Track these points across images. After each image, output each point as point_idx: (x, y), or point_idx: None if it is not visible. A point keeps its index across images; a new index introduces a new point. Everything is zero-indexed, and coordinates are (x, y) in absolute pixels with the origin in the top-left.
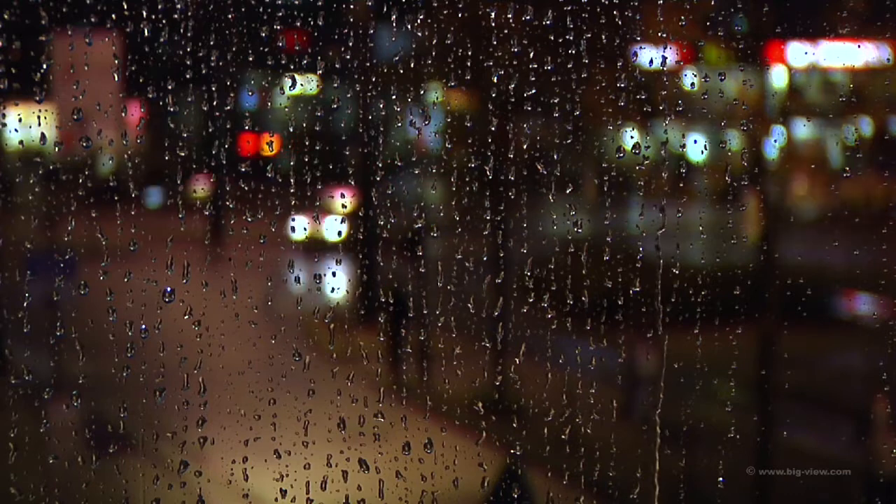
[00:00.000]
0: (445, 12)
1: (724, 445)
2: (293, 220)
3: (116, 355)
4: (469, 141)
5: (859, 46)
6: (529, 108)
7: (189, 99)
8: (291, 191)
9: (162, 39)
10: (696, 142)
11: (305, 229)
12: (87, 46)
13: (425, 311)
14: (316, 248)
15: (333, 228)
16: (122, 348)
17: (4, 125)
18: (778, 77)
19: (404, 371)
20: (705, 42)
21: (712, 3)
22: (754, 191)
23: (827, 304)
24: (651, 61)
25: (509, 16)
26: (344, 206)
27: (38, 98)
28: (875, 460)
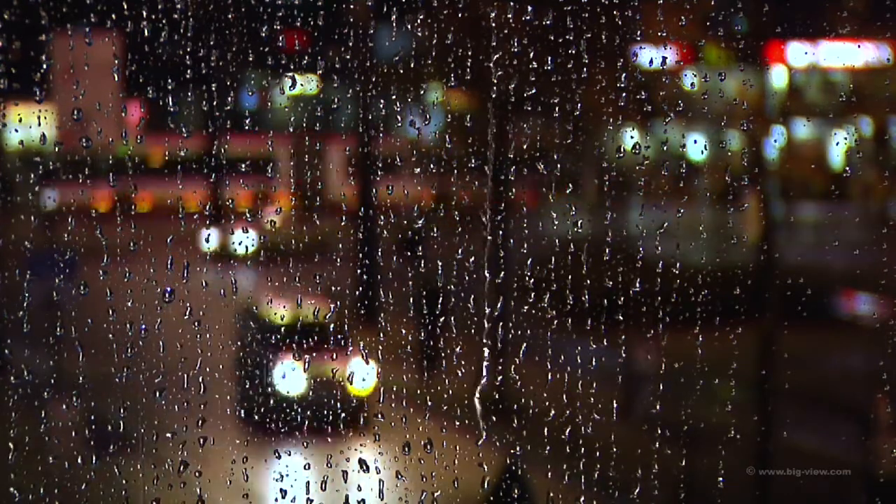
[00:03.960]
0: (445, 12)
1: (724, 445)
2: None
3: None
4: (469, 140)
5: (859, 46)
6: (529, 108)
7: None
8: None
9: (162, 39)
10: (695, 142)
11: None
12: (87, 46)
13: (425, 312)
14: None
15: None
16: None
17: (4, 125)
18: (778, 77)
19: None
20: (705, 42)
21: (712, 3)
22: (754, 190)
23: (826, 303)
24: (651, 61)
25: (509, 16)
26: None
27: (38, 98)
28: (875, 460)
